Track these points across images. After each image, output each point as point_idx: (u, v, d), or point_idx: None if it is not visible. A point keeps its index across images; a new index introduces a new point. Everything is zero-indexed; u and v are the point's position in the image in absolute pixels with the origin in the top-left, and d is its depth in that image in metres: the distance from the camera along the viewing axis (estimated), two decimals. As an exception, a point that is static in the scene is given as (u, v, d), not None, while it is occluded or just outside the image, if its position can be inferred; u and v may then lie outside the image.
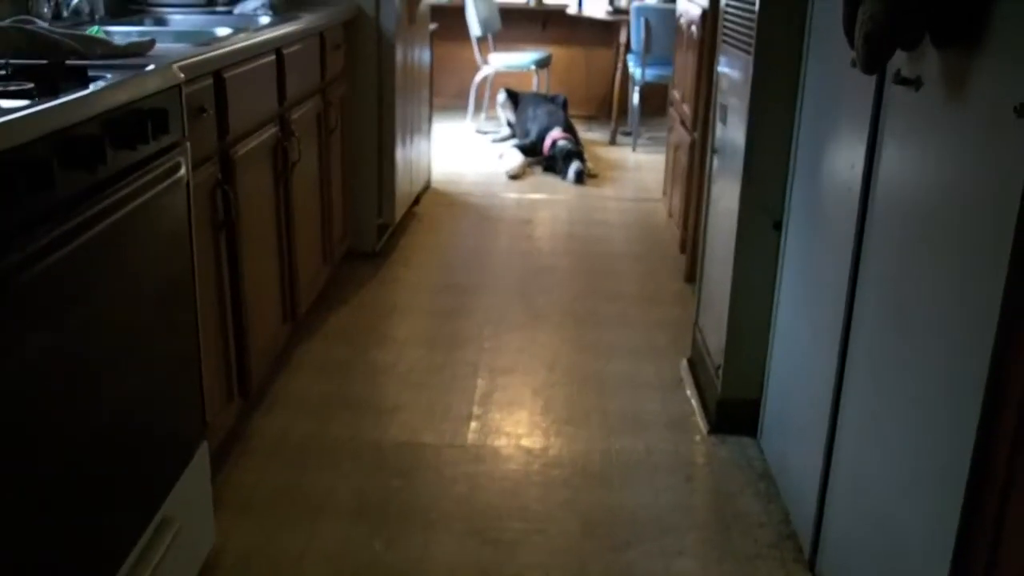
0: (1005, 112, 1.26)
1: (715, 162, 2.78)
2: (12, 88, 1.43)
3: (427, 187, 4.90)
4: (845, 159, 1.89)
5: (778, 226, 2.37)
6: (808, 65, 2.20)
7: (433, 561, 2.04)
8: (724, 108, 2.67)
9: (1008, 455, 1.26)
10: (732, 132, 2.54)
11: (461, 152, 5.93)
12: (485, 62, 6.56)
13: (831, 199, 1.99)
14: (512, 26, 7.00)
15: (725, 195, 2.60)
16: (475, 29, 6.43)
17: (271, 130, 2.54)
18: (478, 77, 6.60)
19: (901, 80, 1.58)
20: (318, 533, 2.12)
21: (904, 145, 1.62)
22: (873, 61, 1.51)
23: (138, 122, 1.51)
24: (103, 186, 1.40)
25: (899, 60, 1.60)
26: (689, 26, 3.90)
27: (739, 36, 2.47)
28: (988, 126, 1.32)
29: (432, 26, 4.70)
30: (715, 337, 2.63)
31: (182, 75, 1.75)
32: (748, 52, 2.37)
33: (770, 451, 2.42)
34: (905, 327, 1.58)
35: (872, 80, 1.73)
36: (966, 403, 1.35)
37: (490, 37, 6.65)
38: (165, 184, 1.58)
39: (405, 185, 4.12)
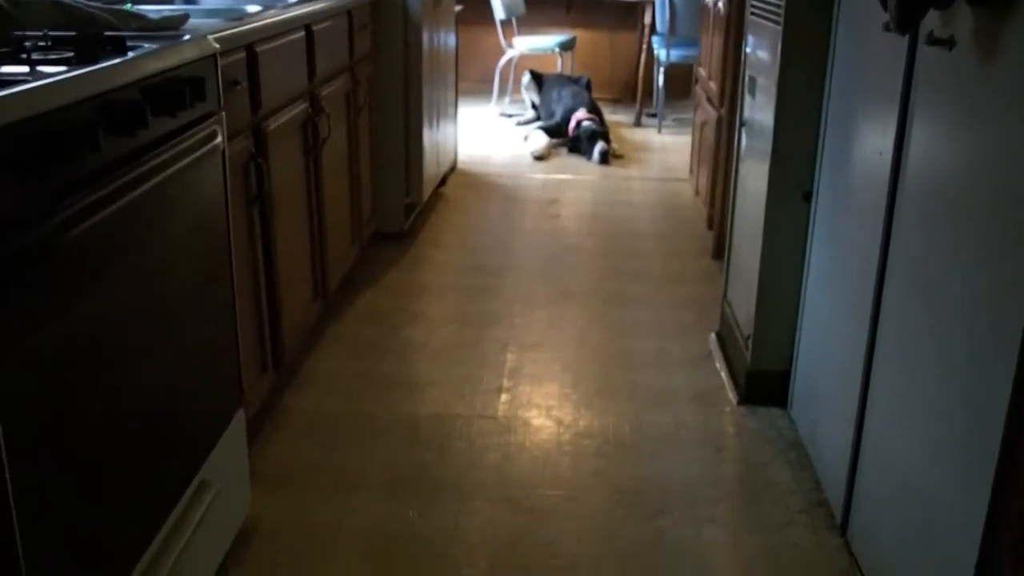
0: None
1: (743, 136, 2.77)
2: (52, 57, 1.45)
3: (453, 168, 4.92)
4: (876, 126, 1.89)
5: (808, 197, 2.37)
6: (838, 33, 2.19)
7: (467, 529, 2.06)
8: (753, 81, 2.66)
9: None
10: (761, 105, 2.54)
11: (487, 135, 5.94)
12: (509, 46, 6.56)
13: (862, 168, 1.99)
14: (536, 9, 6.99)
15: (754, 168, 2.60)
16: (499, 12, 6.43)
17: (301, 106, 2.57)
18: (502, 61, 6.60)
19: (934, 41, 1.58)
20: (352, 505, 2.15)
21: (937, 109, 1.61)
22: (906, 20, 1.51)
23: (177, 89, 1.53)
24: (145, 151, 1.43)
25: (932, 21, 1.60)
26: (715, 3, 3.89)
27: (768, 8, 2.47)
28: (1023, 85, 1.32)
29: (457, 8, 4.70)
30: (744, 309, 2.63)
31: (217, 45, 1.77)
32: (777, 23, 2.37)
33: (800, 421, 2.42)
34: (935, 298, 1.58)
35: (904, 44, 1.73)
36: (999, 369, 1.34)
37: (514, 20, 6.64)
38: (203, 151, 1.60)
39: (432, 166, 4.14)
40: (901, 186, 1.75)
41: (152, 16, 1.93)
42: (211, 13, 2.37)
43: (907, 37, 1.71)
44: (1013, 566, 1.32)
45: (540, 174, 5.06)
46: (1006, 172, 1.35)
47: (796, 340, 2.45)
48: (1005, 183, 1.35)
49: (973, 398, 1.43)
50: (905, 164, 1.74)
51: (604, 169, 5.18)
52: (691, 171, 4.65)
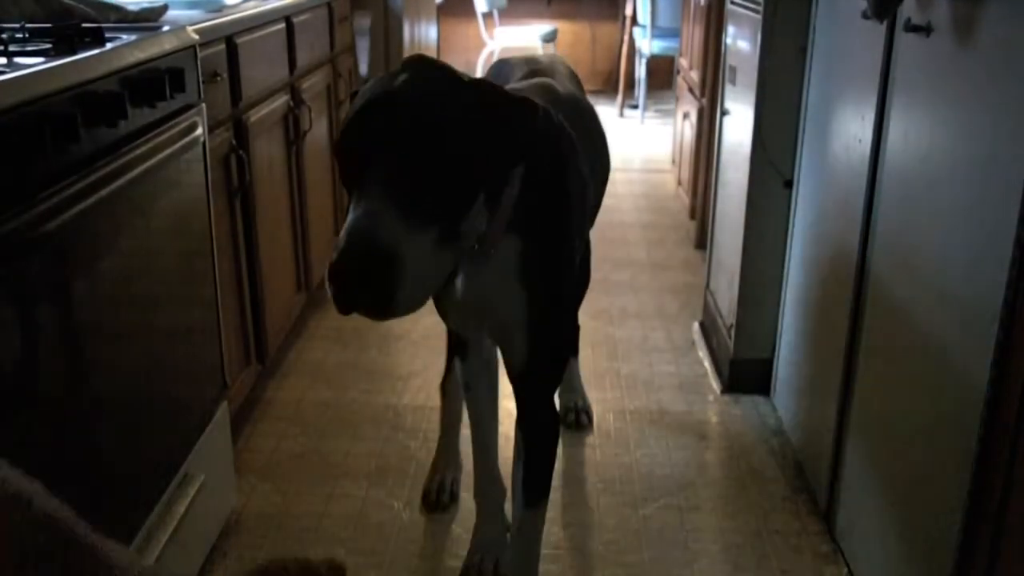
0: (1017, 54, 1.27)
1: (725, 124, 2.78)
2: (30, 48, 1.45)
3: (436, 161, 4.90)
4: (855, 112, 1.90)
5: (789, 184, 2.38)
6: (817, 20, 2.20)
7: (452, 519, 2.07)
8: (733, 70, 2.67)
9: (1018, 410, 1.27)
10: (742, 93, 2.55)
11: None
12: (491, 38, 6.55)
13: (842, 155, 2.00)
14: (517, 1, 6.98)
15: (735, 156, 2.61)
16: (481, 5, 6.42)
17: (282, 98, 2.56)
18: (484, 53, 6.60)
19: (911, 27, 1.59)
20: (338, 495, 2.15)
21: (915, 95, 1.62)
22: (884, 7, 1.52)
23: (156, 80, 1.52)
24: (125, 142, 1.42)
25: (909, 8, 1.61)
26: (696, -7, 3.90)
27: (747, -4, 2.48)
28: (999, 70, 1.33)
29: (438, 0, 4.70)
30: (727, 299, 2.65)
31: (196, 36, 1.77)
32: (757, 12, 2.38)
33: (783, 408, 2.44)
34: (915, 282, 1.59)
35: (882, 31, 1.74)
36: (977, 353, 1.36)
37: (495, 13, 6.64)
38: (183, 142, 1.60)
39: (414, 158, 4.12)
40: (880, 172, 1.77)
41: (131, 8, 1.92)
42: (190, 5, 2.35)
43: (885, 24, 1.72)
44: (993, 548, 1.34)
45: (523, 166, 5.05)
46: (983, 156, 1.36)
47: (778, 328, 2.47)
48: (982, 167, 1.36)
49: (954, 383, 1.44)
50: (884, 150, 1.75)
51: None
52: (673, 161, 4.66)
